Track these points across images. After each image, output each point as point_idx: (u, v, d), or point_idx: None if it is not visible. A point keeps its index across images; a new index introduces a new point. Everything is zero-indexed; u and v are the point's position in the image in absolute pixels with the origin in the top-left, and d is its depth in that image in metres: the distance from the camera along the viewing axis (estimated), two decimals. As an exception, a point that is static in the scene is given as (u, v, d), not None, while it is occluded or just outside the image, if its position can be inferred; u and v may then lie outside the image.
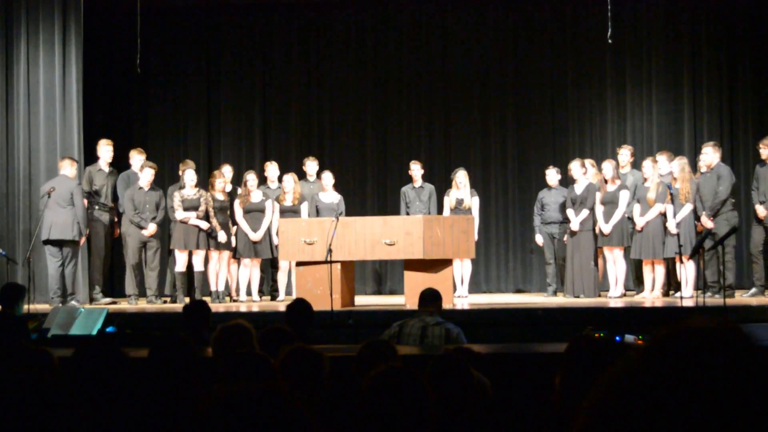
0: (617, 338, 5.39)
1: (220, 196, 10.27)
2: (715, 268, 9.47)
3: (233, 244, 10.30)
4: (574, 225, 10.08)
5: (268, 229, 10.30)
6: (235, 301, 10.41)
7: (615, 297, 9.94)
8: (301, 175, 11.00)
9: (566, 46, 12.71)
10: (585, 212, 10.03)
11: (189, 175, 10.23)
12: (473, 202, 10.53)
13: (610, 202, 9.96)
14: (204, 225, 10.05)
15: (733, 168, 10.37)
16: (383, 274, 12.62)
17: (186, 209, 10.08)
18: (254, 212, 10.29)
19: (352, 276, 9.68)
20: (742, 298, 9.59)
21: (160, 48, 12.66)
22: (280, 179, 10.64)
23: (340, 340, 7.27)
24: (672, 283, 10.01)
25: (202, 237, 10.07)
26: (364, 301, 10.49)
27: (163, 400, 3.02)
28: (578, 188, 10.19)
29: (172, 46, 12.94)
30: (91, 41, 11.57)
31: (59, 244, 9.89)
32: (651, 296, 9.76)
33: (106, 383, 2.83)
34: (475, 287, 11.62)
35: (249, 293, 10.43)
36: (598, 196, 10.04)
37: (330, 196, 10.56)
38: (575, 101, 12.68)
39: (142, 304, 10.13)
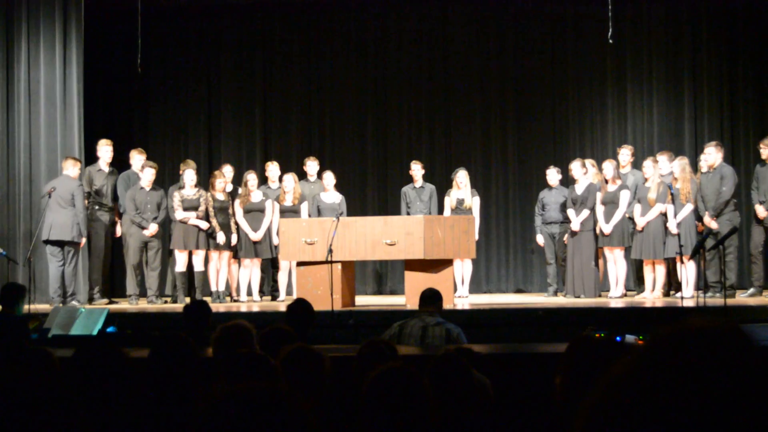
0: (618, 338, 5.39)
1: (221, 196, 10.27)
2: (717, 268, 9.47)
3: (233, 242, 10.29)
4: (575, 225, 10.08)
5: (268, 229, 10.31)
6: (235, 301, 10.41)
7: (615, 297, 9.94)
8: (302, 175, 11.01)
9: (567, 45, 12.71)
10: (585, 212, 10.03)
11: (188, 175, 10.23)
12: (474, 202, 10.53)
13: (611, 202, 9.96)
14: (204, 225, 10.05)
15: (733, 168, 10.36)
16: (384, 274, 12.62)
17: (186, 209, 10.08)
18: (254, 212, 10.29)
19: (352, 276, 9.68)
20: (740, 298, 9.59)
21: (160, 48, 12.66)
22: (280, 179, 10.64)
23: (340, 340, 7.27)
24: (672, 283, 10.00)
25: (202, 237, 10.07)
26: (364, 301, 10.49)
27: (163, 400, 3.02)
28: (579, 188, 10.19)
29: (172, 46, 12.94)
30: (91, 41, 11.57)
31: (60, 244, 9.90)
32: (651, 296, 9.76)
33: (106, 383, 2.83)
34: (475, 287, 11.62)
35: (249, 293, 10.43)
36: (599, 196, 10.04)
37: (331, 196, 10.56)
38: (576, 101, 12.68)
39: (143, 304, 10.14)
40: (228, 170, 10.77)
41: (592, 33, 12.10)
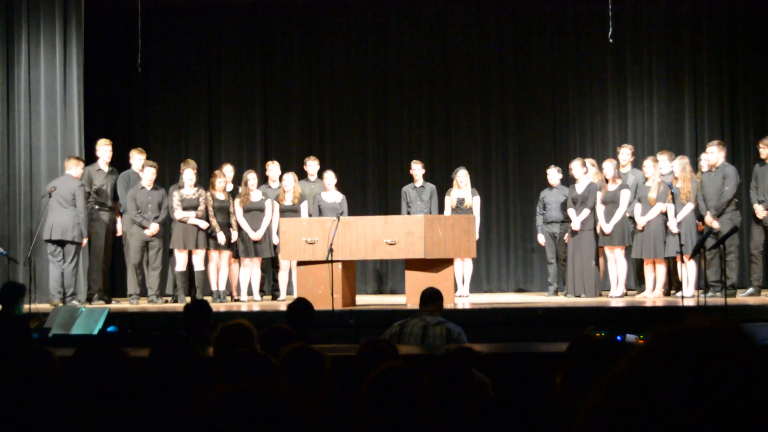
0: (618, 338, 5.39)
1: (221, 196, 10.27)
2: (717, 267, 9.46)
3: (233, 239, 10.29)
4: (575, 224, 10.08)
5: (268, 229, 10.31)
6: (236, 300, 10.41)
7: (616, 296, 9.93)
8: (302, 175, 11.01)
9: (567, 45, 12.71)
10: (586, 212, 10.03)
11: (188, 174, 10.23)
12: (474, 202, 10.53)
13: (611, 202, 9.95)
14: (203, 224, 10.05)
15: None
16: (384, 274, 12.62)
17: (185, 209, 10.08)
18: (254, 211, 10.30)
19: (353, 275, 9.67)
20: (740, 297, 9.59)
21: (160, 48, 12.66)
22: (281, 179, 10.64)
23: (341, 340, 7.26)
24: (673, 283, 10.00)
25: (202, 236, 10.07)
26: (365, 300, 10.49)
27: (163, 400, 3.02)
28: (579, 188, 10.19)
29: (172, 45, 12.94)
30: (91, 41, 11.58)
31: (60, 243, 9.90)
32: (652, 296, 9.76)
33: (106, 383, 2.83)
34: (476, 287, 11.62)
35: (250, 293, 10.44)
36: (599, 195, 10.04)
37: (332, 195, 10.56)
38: (576, 100, 12.68)
39: (143, 304, 10.14)
40: (228, 170, 10.77)
41: (592, 33, 12.10)
